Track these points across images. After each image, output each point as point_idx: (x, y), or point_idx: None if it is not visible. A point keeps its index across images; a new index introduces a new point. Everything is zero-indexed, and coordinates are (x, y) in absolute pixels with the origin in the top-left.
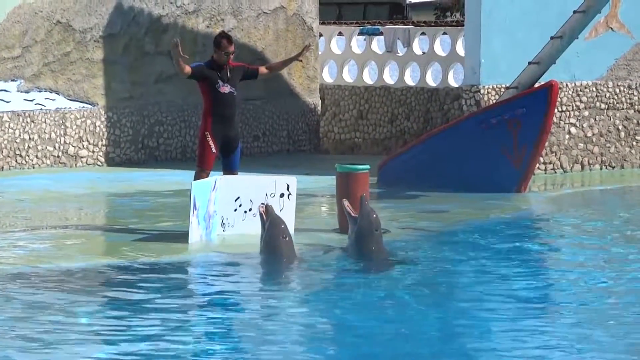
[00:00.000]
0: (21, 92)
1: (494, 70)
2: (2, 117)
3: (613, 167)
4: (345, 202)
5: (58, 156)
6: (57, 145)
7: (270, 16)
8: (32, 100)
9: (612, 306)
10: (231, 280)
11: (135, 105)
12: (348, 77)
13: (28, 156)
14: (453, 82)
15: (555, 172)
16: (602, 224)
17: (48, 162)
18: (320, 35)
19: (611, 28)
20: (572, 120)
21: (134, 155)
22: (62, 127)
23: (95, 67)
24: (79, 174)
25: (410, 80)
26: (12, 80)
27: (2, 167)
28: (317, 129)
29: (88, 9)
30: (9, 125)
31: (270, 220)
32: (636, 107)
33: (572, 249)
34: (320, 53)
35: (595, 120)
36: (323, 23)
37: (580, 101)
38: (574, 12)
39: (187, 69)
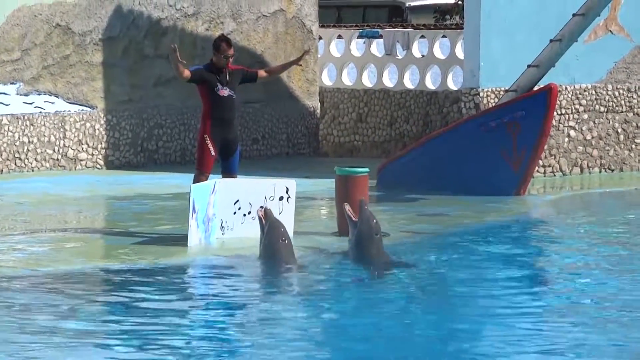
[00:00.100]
0: (20, 95)
1: (493, 73)
2: (2, 120)
3: (612, 170)
4: (347, 207)
5: (57, 159)
6: (56, 148)
7: (269, 19)
8: (31, 104)
9: (610, 310)
10: (230, 284)
11: (134, 108)
12: (347, 80)
13: (27, 159)
14: (452, 85)
15: (555, 175)
16: (601, 227)
17: (47, 165)
18: (320, 38)
19: (610, 31)
20: (572, 123)
21: (133, 158)
22: (62, 130)
23: (94, 70)
24: (78, 177)
25: (409, 83)
26: (12, 83)
27: (2, 170)
28: (316, 132)
29: (87, 12)
30: (8, 129)
31: (269, 224)
32: (635, 110)
33: (571, 253)
34: (319, 56)
35: (594, 123)
36: (322, 26)
37: (580, 104)
38: (573, 15)
39: (186, 72)
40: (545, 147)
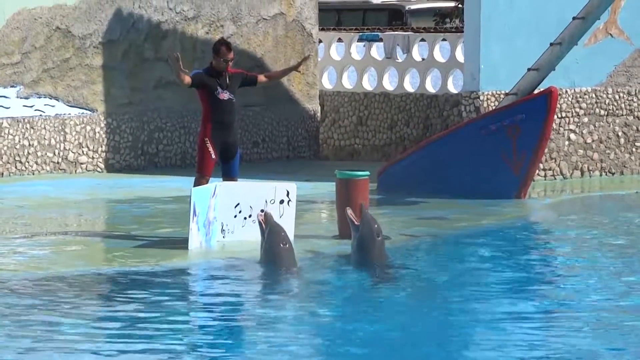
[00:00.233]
0: (21, 98)
1: (494, 76)
2: (2, 123)
3: (613, 174)
4: (349, 210)
5: (58, 162)
6: (56, 151)
7: (269, 22)
8: (31, 107)
9: (610, 316)
10: (231, 287)
11: (134, 111)
12: (347, 83)
13: (28, 162)
14: (452, 89)
15: (555, 179)
16: (602, 231)
17: (48, 168)
18: (320, 41)
19: (610, 34)
20: (572, 127)
21: (133, 161)
22: (62, 133)
23: (94, 73)
24: (78, 180)
25: (409, 86)
26: (12, 87)
27: (2, 174)
28: (316, 136)
29: (87, 15)
30: (8, 132)
31: (269, 229)
32: (636, 113)
33: (571, 256)
34: (319, 59)
35: (594, 126)
36: (322, 29)
37: (580, 107)
38: (573, 18)
39: (187, 79)
40: (546, 150)
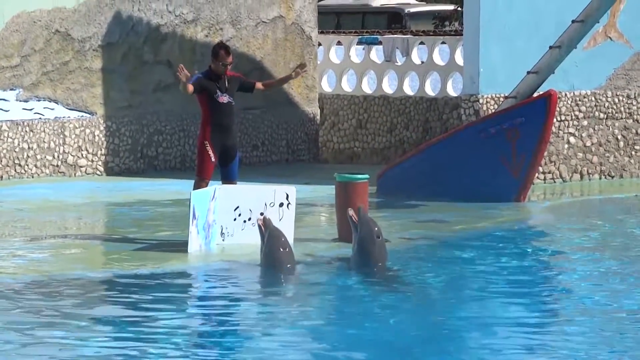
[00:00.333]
0: (20, 101)
1: (493, 79)
2: (1, 126)
3: (612, 177)
4: (350, 212)
5: (57, 165)
6: (56, 154)
7: (268, 25)
8: (31, 110)
9: (610, 319)
10: (230, 290)
11: (134, 114)
12: (347, 86)
13: (27, 165)
14: (452, 92)
15: (555, 182)
16: (601, 234)
17: (47, 171)
18: (319, 44)
19: (610, 37)
20: (571, 130)
21: (133, 164)
22: (61, 136)
23: (94, 76)
24: (78, 184)
25: (409, 89)
26: (11, 90)
27: (1, 177)
28: (316, 139)
29: (87, 18)
30: (7, 135)
31: (269, 233)
32: (635, 116)
33: (571, 260)
34: (319, 62)
35: (594, 129)
36: (322, 32)
37: (579, 111)
38: (573, 21)
39: (191, 88)
40: (545, 153)
